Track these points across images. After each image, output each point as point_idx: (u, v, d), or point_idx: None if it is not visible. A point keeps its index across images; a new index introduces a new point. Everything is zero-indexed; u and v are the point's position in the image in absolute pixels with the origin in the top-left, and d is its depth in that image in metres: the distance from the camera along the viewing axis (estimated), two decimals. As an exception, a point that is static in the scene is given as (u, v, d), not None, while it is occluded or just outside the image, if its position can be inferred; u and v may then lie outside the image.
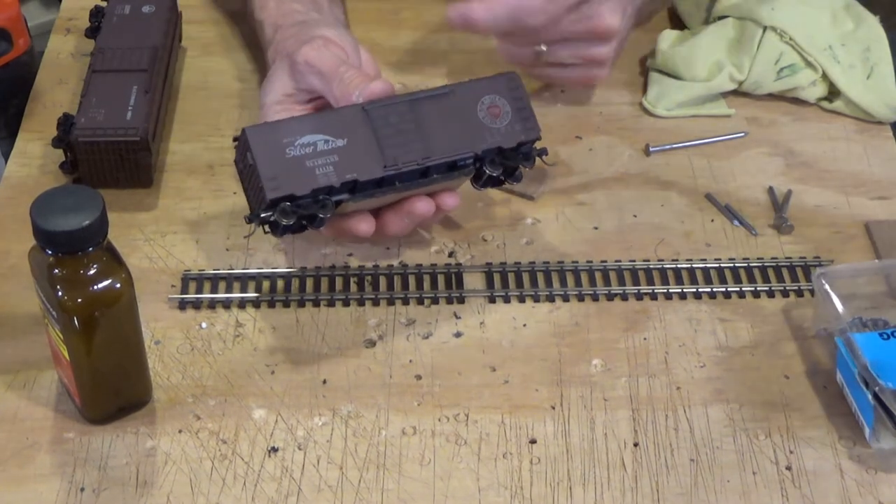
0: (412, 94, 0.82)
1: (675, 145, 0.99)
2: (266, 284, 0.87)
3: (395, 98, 0.82)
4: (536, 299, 0.87)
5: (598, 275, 0.89)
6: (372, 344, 0.84)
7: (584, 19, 0.95)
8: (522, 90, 0.85)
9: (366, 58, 0.91)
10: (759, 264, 0.90)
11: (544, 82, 1.04)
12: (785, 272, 0.89)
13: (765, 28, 1.01)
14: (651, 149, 0.98)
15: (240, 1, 1.09)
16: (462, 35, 1.10)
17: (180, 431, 0.78)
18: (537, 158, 0.86)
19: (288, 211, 0.78)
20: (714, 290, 0.88)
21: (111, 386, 0.77)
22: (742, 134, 1.01)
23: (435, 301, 0.87)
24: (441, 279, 0.89)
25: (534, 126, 0.84)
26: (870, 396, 0.76)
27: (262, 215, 0.78)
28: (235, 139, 0.80)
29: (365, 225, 0.83)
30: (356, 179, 0.79)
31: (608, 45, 0.96)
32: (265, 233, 0.80)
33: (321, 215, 0.79)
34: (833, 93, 1.03)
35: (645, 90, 1.05)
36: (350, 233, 0.83)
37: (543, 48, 0.97)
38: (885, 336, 0.79)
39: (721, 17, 1.05)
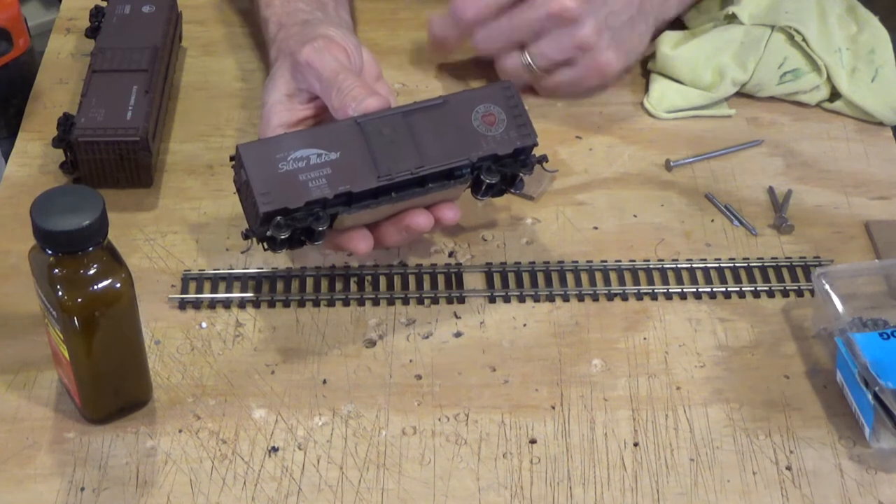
0: (405, 107, 0.82)
1: (696, 158, 0.98)
2: (266, 284, 0.87)
3: (388, 110, 0.82)
4: (536, 299, 0.87)
5: (598, 275, 0.89)
6: (372, 344, 0.84)
7: (538, 6, 0.95)
8: (517, 98, 0.84)
9: (368, 59, 0.91)
10: (759, 264, 0.90)
11: (561, 93, 1.02)
12: (785, 272, 0.89)
13: (772, 30, 1.01)
14: (672, 164, 0.98)
15: (246, -1, 1.09)
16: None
17: (180, 431, 0.78)
18: (537, 165, 0.85)
19: (282, 225, 0.78)
20: (714, 290, 0.88)
21: (111, 386, 0.77)
22: (758, 142, 1.01)
23: (435, 301, 0.87)
24: (441, 279, 0.89)
25: (530, 132, 0.84)
26: (870, 396, 0.76)
27: (258, 230, 0.78)
28: (232, 158, 0.80)
29: (363, 243, 0.82)
30: (350, 191, 0.79)
31: (583, 27, 0.95)
32: (264, 249, 0.80)
33: (317, 228, 0.79)
34: (834, 92, 1.03)
35: (646, 90, 1.04)
36: (348, 250, 0.83)
37: (527, 58, 0.98)
38: (885, 336, 0.79)
39: (729, 20, 1.04)
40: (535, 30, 0.96)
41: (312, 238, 0.80)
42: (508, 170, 0.84)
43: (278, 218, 0.78)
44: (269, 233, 0.78)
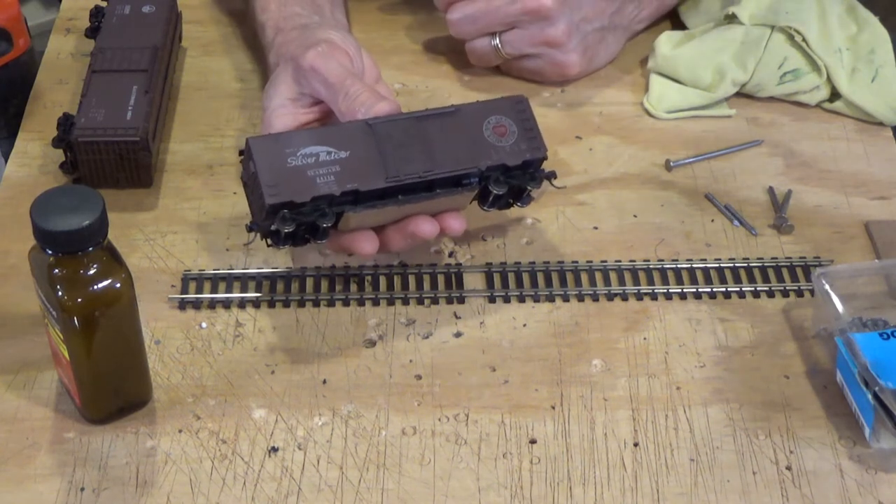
0: (417, 112, 0.83)
1: (696, 158, 0.98)
2: (266, 284, 0.87)
3: (399, 115, 0.82)
4: (536, 299, 0.87)
5: (598, 275, 0.89)
6: (372, 344, 0.84)
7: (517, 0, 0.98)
8: (529, 112, 0.85)
9: (368, 62, 0.91)
10: (759, 264, 0.90)
11: (522, 77, 1.05)
12: (785, 272, 0.89)
13: (772, 30, 1.01)
14: (672, 164, 0.98)
15: (241, 1, 1.09)
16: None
17: (180, 431, 0.78)
18: (545, 181, 0.86)
19: (287, 218, 0.78)
20: (714, 290, 0.88)
21: (111, 386, 0.77)
22: (758, 142, 1.01)
23: (435, 301, 0.87)
24: (441, 279, 0.89)
25: (540, 146, 0.84)
26: (870, 396, 0.76)
27: (262, 222, 0.79)
28: (241, 152, 0.80)
29: (368, 244, 0.82)
30: (357, 189, 0.79)
31: (556, 26, 0.98)
32: (268, 246, 0.80)
33: (322, 224, 0.79)
34: (834, 93, 1.03)
35: (646, 90, 1.04)
36: (353, 251, 0.83)
37: (497, 42, 1.01)
38: (885, 336, 0.79)
39: (729, 20, 1.04)
40: (510, 21, 0.99)
41: (316, 236, 0.80)
42: (517, 182, 0.84)
43: (284, 211, 0.78)
44: (273, 226, 0.78)
